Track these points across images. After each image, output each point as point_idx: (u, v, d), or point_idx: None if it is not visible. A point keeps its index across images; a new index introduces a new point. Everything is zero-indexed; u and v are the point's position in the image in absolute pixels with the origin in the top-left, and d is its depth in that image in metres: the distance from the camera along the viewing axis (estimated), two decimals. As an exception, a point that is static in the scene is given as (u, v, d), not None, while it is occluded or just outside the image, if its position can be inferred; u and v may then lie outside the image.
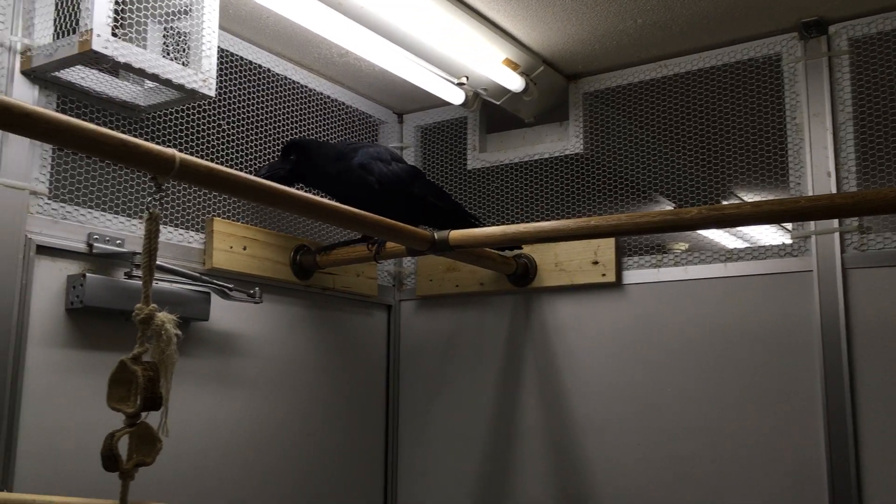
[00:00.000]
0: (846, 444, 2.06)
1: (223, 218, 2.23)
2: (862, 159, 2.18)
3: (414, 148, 2.92)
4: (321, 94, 2.63)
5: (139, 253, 1.90)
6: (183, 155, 1.36)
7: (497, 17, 2.24)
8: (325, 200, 1.71)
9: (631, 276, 2.45)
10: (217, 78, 1.90)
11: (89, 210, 1.91)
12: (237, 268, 2.21)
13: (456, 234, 2.03)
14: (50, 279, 1.81)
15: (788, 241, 2.25)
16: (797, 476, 2.13)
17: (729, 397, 2.25)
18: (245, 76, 2.38)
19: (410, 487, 2.73)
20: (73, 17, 1.70)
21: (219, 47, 1.94)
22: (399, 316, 2.83)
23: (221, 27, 2.17)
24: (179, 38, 1.87)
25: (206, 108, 2.24)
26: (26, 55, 1.77)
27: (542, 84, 2.54)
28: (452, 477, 2.66)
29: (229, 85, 2.32)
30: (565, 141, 2.63)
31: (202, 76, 1.85)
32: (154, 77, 1.76)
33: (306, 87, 2.57)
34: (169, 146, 1.37)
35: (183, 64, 1.84)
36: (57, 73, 1.78)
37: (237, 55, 2.34)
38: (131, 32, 1.77)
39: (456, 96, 2.54)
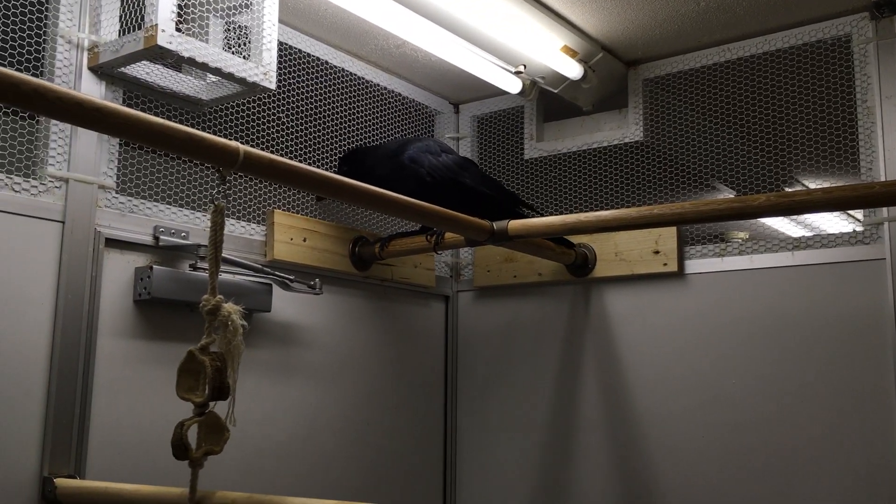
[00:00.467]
0: (922, 439, 1.99)
1: (284, 210, 2.25)
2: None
3: (470, 138, 2.90)
4: (377, 85, 2.63)
5: (203, 245, 1.93)
6: (247, 147, 1.37)
7: (555, 4, 2.21)
8: (384, 191, 1.71)
9: (693, 266, 2.40)
10: (276, 70, 1.92)
11: (155, 203, 1.94)
12: (298, 259, 2.23)
13: (515, 223, 2.01)
14: (118, 272, 1.85)
15: (859, 228, 2.18)
16: (868, 470, 2.07)
17: (796, 389, 2.19)
18: (303, 68, 2.40)
19: (470, 477, 2.73)
20: (138, 13, 1.73)
21: (278, 40, 1.95)
22: (457, 307, 2.83)
23: (280, 20, 2.18)
24: (240, 31, 1.89)
25: (266, 100, 2.27)
26: (93, 51, 1.80)
27: (600, 71, 2.50)
28: (511, 468, 2.65)
29: (288, 77, 2.34)
30: (625, 129, 2.59)
31: (263, 69, 1.86)
32: (217, 71, 1.78)
33: (363, 78, 2.58)
34: (230, 138, 1.39)
35: (244, 57, 1.86)
36: (123, 69, 1.81)
37: (295, 48, 2.36)
38: (194, 27, 1.80)
39: (513, 85, 2.51)
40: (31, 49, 1.74)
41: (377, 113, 2.65)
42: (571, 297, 2.61)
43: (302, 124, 2.39)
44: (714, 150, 2.52)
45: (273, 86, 1.89)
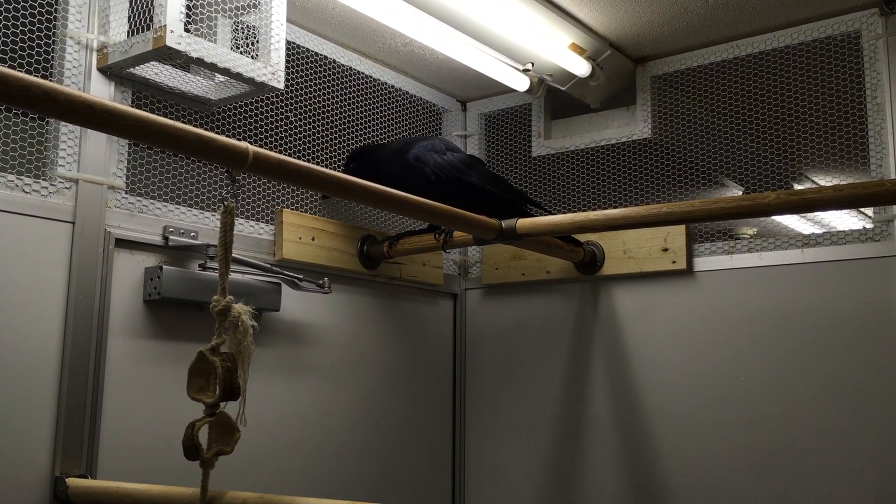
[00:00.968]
0: (933, 436, 1.99)
1: (292, 209, 2.26)
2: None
3: (478, 136, 2.90)
4: (385, 83, 2.63)
5: (213, 245, 1.94)
6: (256, 148, 1.37)
7: (563, 2, 2.21)
8: (393, 191, 1.71)
9: (702, 264, 2.40)
10: (284, 70, 1.92)
11: (164, 203, 1.95)
12: (306, 258, 2.23)
13: (524, 222, 2.01)
14: (128, 271, 1.86)
15: (869, 225, 2.17)
16: (879, 468, 2.06)
17: (806, 388, 2.19)
18: (310, 67, 2.40)
19: (478, 475, 2.73)
20: (146, 14, 1.73)
21: (286, 39, 1.95)
22: (465, 304, 2.83)
23: (287, 19, 2.18)
24: (248, 31, 1.89)
25: (274, 99, 2.27)
26: (102, 52, 1.81)
27: (608, 68, 2.50)
28: (520, 466, 2.65)
29: (295, 76, 2.34)
30: (633, 126, 2.58)
31: (271, 69, 1.86)
32: (225, 71, 1.78)
33: (370, 76, 2.58)
34: (239, 138, 1.39)
35: (252, 57, 1.86)
36: (132, 70, 1.82)
37: (303, 47, 2.36)
38: (203, 28, 1.80)
39: (521, 83, 2.51)
40: (41, 50, 1.75)
41: (385, 111, 2.65)
42: (580, 295, 2.61)
43: (310, 123, 2.39)
44: (722, 147, 2.51)
45: (281, 85, 1.89)
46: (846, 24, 2.24)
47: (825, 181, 3.01)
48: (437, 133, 2.90)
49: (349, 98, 2.53)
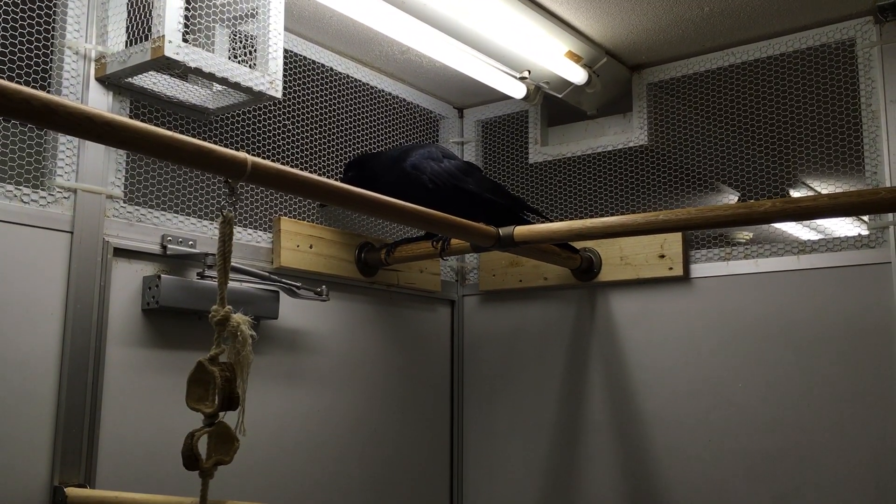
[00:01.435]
0: (929, 442, 1.99)
1: (290, 217, 2.26)
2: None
3: (475, 143, 2.91)
4: (382, 90, 2.64)
5: (211, 254, 1.94)
6: (255, 158, 1.37)
7: (559, 10, 2.22)
8: (391, 199, 1.71)
9: (699, 270, 2.41)
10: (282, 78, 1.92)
11: (162, 212, 1.95)
12: (304, 266, 2.24)
13: (521, 230, 2.02)
14: (126, 280, 1.86)
15: (864, 231, 2.18)
16: (876, 473, 2.07)
17: (803, 393, 2.20)
18: (308, 75, 2.40)
19: (476, 481, 2.74)
20: (144, 24, 1.73)
21: (283, 48, 1.96)
22: (462, 311, 2.84)
23: (285, 28, 2.19)
24: (246, 40, 1.89)
25: (272, 108, 2.27)
26: (100, 62, 1.81)
27: (604, 76, 2.51)
28: (518, 472, 2.66)
29: (293, 84, 2.35)
30: (629, 133, 2.59)
31: (269, 78, 1.87)
32: (223, 81, 1.79)
33: (367, 84, 2.59)
34: (236, 147, 1.40)
35: (250, 66, 1.86)
36: (130, 79, 1.82)
37: (300, 55, 2.36)
38: (200, 37, 1.81)
39: (517, 90, 2.52)
40: (39, 60, 1.75)
41: (382, 119, 2.66)
42: (577, 302, 2.62)
43: (307, 131, 2.40)
44: (719, 154, 2.52)
45: (279, 94, 1.89)
46: (841, 32, 2.26)
47: (821, 187, 3.02)
48: (434, 140, 2.91)
49: (346, 106, 2.54)
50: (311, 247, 2.27)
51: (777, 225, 3.43)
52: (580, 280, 2.57)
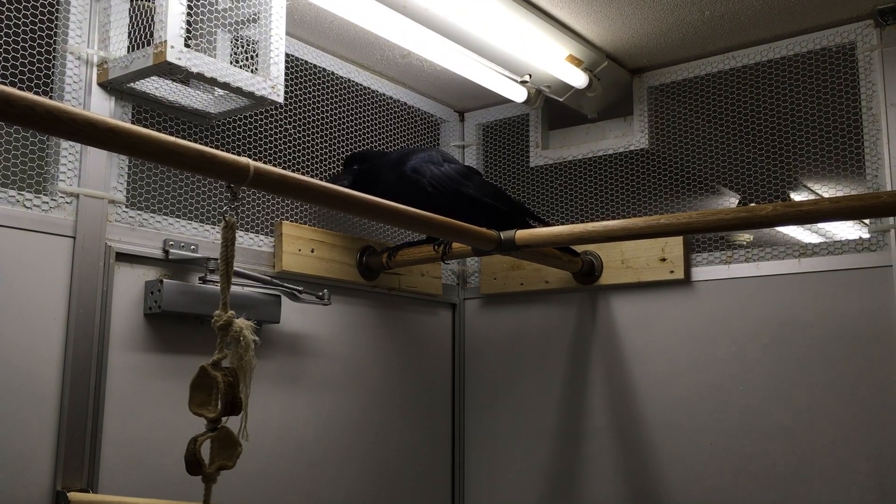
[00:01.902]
0: (930, 445, 1.99)
1: (291, 221, 2.26)
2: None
3: (476, 146, 2.91)
4: (383, 94, 2.64)
5: (213, 258, 1.94)
6: (257, 163, 1.38)
7: (560, 14, 2.22)
8: (393, 204, 1.72)
9: (700, 273, 2.41)
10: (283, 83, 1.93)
11: (164, 217, 1.95)
12: (306, 270, 2.24)
13: (522, 233, 2.02)
14: (129, 285, 1.86)
15: (866, 235, 2.19)
16: (877, 478, 2.07)
17: (804, 396, 2.20)
18: (309, 80, 2.41)
19: (477, 485, 2.74)
20: (147, 30, 1.74)
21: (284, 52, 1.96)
22: (463, 314, 2.84)
23: (286, 32, 2.20)
24: (248, 45, 1.90)
25: (273, 112, 2.28)
26: (103, 67, 1.82)
27: (605, 79, 2.51)
28: (519, 475, 2.66)
29: (294, 89, 2.35)
30: (630, 136, 2.59)
31: (271, 83, 1.87)
32: (225, 86, 1.79)
33: (368, 88, 2.59)
34: (238, 151, 1.40)
35: (252, 71, 1.87)
36: (132, 85, 1.82)
37: (302, 59, 2.37)
38: (202, 42, 1.81)
39: (518, 94, 2.52)
40: (41, 65, 1.75)
41: (383, 122, 2.66)
42: (578, 305, 2.62)
43: (309, 135, 2.40)
44: (720, 157, 2.53)
45: (281, 99, 1.90)
46: (841, 35, 2.26)
47: (822, 190, 3.03)
48: (435, 144, 2.91)
49: (348, 110, 2.54)
50: (312, 251, 2.27)
51: (778, 228, 3.43)
52: (581, 283, 2.58)
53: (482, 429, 2.75)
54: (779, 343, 2.25)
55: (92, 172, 1.80)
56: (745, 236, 3.10)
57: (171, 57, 1.66)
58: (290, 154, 2.34)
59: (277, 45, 1.89)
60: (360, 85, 2.56)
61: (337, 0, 1.99)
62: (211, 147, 1.32)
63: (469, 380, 2.80)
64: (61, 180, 1.75)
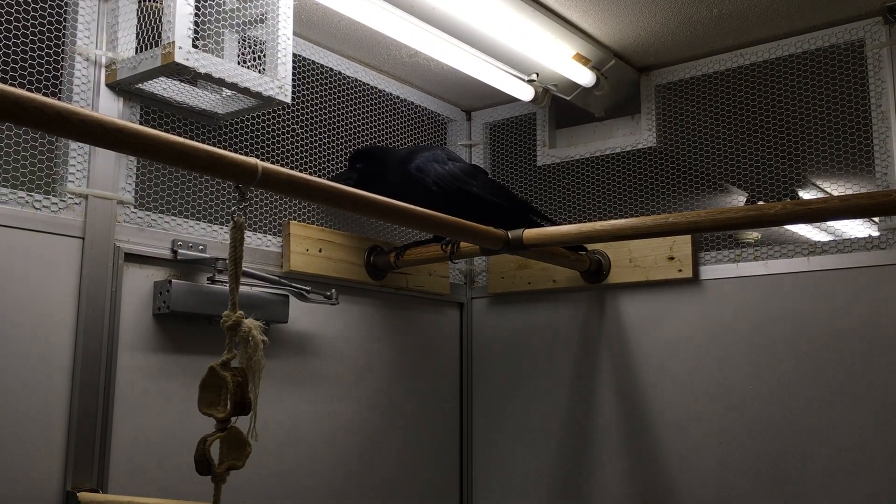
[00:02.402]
0: (941, 444, 1.98)
1: (299, 221, 2.27)
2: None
3: (483, 145, 2.91)
4: (390, 94, 2.64)
5: (222, 258, 1.95)
6: (265, 164, 1.38)
7: (567, 13, 2.22)
8: (402, 204, 1.72)
9: (708, 272, 2.40)
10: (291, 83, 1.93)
11: (173, 217, 1.96)
12: (314, 270, 2.24)
13: (530, 232, 2.02)
14: (137, 286, 1.87)
15: (875, 232, 2.18)
16: (890, 477, 2.06)
17: (813, 395, 2.19)
18: (317, 80, 2.41)
19: (486, 484, 2.74)
20: (155, 30, 1.74)
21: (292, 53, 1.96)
22: (471, 314, 2.84)
23: (294, 32, 2.20)
24: (255, 45, 1.90)
25: (281, 112, 2.28)
26: (111, 68, 1.82)
27: (612, 78, 2.51)
28: (528, 474, 2.66)
29: (302, 89, 2.35)
30: (637, 135, 2.59)
31: (278, 83, 1.87)
32: (233, 86, 1.79)
33: (375, 87, 2.59)
34: (245, 152, 1.40)
35: (259, 71, 1.87)
36: (140, 85, 1.83)
37: (309, 59, 2.37)
38: (210, 43, 1.81)
39: (525, 93, 2.52)
40: (50, 67, 1.76)
41: (390, 122, 2.67)
42: (586, 304, 2.62)
43: (316, 135, 2.40)
44: (728, 155, 2.52)
45: (288, 99, 1.90)
46: (850, 32, 2.25)
47: (831, 188, 3.01)
48: (442, 143, 2.91)
49: (355, 109, 2.54)
50: (320, 250, 2.28)
51: (787, 226, 3.42)
52: (589, 282, 2.57)
53: (490, 427, 2.75)
54: (788, 341, 2.24)
55: (100, 173, 1.80)
56: (754, 235, 3.09)
57: (179, 58, 1.67)
58: (297, 154, 2.34)
59: (285, 45, 1.89)
60: (368, 84, 2.56)
61: (344, 0, 1.99)
62: (219, 147, 1.33)
63: (477, 379, 2.80)
64: (70, 181, 1.76)
